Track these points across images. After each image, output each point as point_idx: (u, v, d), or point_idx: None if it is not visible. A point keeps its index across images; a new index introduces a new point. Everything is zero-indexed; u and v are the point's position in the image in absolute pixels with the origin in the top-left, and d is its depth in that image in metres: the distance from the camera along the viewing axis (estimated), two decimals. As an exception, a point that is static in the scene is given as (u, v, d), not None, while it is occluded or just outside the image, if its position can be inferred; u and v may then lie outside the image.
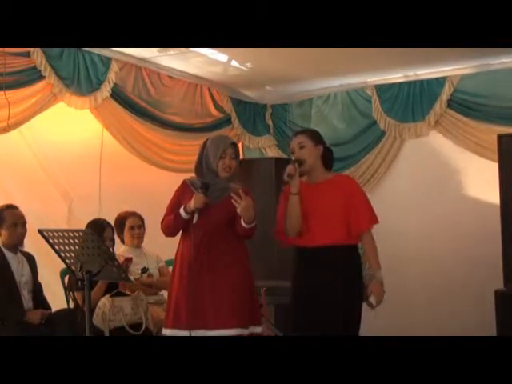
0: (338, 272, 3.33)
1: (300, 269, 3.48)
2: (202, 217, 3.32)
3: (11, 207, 3.98)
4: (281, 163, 5.87)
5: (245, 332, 3.29)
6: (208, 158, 3.42)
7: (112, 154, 5.13)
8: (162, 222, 3.50)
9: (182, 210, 3.36)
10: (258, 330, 3.39)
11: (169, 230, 3.48)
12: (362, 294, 3.36)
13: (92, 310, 3.77)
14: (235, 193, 3.28)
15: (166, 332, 3.39)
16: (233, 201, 3.27)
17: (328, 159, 3.56)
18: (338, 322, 3.25)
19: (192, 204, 3.31)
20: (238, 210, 3.27)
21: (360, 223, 3.39)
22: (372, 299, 3.26)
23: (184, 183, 3.51)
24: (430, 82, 5.78)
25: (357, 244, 3.44)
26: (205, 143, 3.49)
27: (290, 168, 3.38)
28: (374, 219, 3.45)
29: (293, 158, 3.48)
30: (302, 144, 3.47)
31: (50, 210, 4.70)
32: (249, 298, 3.41)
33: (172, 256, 3.59)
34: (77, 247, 3.23)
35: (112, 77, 4.94)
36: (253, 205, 3.32)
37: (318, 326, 3.27)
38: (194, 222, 3.32)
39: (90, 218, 4.33)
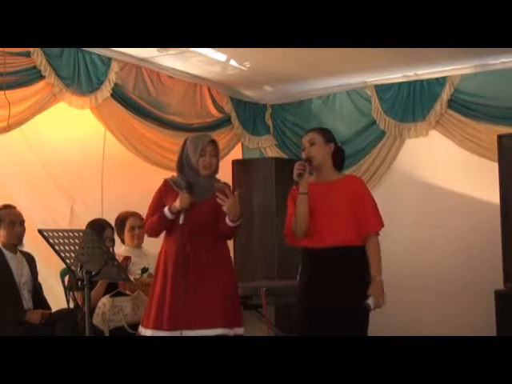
0: (346, 273, 3.29)
1: (310, 270, 3.41)
2: (188, 216, 3.28)
3: (8, 207, 4.01)
4: (281, 163, 5.88)
5: (229, 333, 3.27)
6: (188, 156, 3.40)
7: (114, 154, 5.12)
8: (144, 224, 3.49)
9: (166, 210, 3.33)
10: (240, 331, 3.35)
11: (152, 230, 3.47)
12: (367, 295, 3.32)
13: (92, 310, 3.77)
14: (221, 191, 3.26)
15: (147, 332, 3.33)
16: (218, 199, 3.24)
17: (339, 159, 3.52)
18: (345, 324, 3.21)
19: (178, 204, 3.28)
20: (225, 208, 3.24)
21: (369, 224, 3.35)
22: (370, 301, 3.24)
23: (166, 183, 3.47)
24: (430, 81, 5.77)
25: (365, 246, 3.37)
26: (185, 142, 3.47)
27: (298, 166, 3.32)
28: (382, 222, 3.41)
29: (303, 156, 3.42)
30: (312, 141, 3.42)
31: (52, 211, 4.71)
32: (233, 298, 3.39)
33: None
34: (77, 247, 3.23)
35: (112, 77, 4.94)
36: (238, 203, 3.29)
37: (326, 327, 3.24)
38: (180, 222, 3.28)
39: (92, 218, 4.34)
